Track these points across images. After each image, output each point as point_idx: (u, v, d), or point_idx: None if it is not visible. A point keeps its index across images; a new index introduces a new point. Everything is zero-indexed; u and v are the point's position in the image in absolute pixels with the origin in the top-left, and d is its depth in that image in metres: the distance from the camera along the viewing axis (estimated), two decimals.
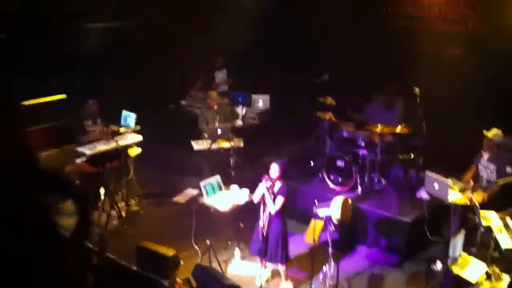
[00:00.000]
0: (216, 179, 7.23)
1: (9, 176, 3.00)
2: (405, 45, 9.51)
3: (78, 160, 7.78)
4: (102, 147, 7.86)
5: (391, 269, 7.28)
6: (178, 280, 5.94)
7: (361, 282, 6.98)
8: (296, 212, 7.90)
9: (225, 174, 7.83)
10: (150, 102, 9.88)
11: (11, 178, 3.00)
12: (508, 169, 6.78)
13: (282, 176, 6.51)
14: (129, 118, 8.71)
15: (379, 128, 7.91)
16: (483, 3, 9.18)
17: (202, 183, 7.05)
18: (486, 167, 6.99)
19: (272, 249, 6.48)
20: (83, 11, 10.25)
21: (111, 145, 7.92)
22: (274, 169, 6.47)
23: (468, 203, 6.58)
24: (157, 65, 10.54)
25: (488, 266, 5.75)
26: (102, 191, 8.19)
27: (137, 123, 8.65)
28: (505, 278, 5.55)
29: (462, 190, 6.77)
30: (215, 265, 6.90)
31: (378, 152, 8.00)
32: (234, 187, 7.25)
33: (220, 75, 10.88)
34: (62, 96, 8.51)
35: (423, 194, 7.24)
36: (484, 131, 6.93)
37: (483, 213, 6.31)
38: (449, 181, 6.62)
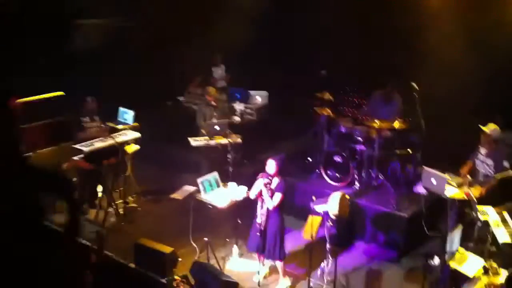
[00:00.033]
0: (213, 175, 7.22)
1: (2, 176, 3.00)
2: (405, 45, 9.46)
3: (76, 157, 7.76)
4: (99, 144, 7.83)
5: (389, 264, 7.30)
6: (176, 277, 5.96)
7: (359, 277, 7.00)
8: (294, 208, 7.89)
9: (223, 171, 7.83)
10: (149, 100, 9.86)
11: (4, 178, 3.00)
12: (506, 164, 6.78)
13: (280, 172, 6.51)
14: (126, 115, 8.71)
15: (377, 123, 7.91)
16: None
17: (199, 180, 7.05)
18: (483, 162, 6.99)
19: (270, 245, 6.49)
20: (83, 11, 10.25)
21: (109, 142, 7.91)
22: (271, 165, 6.47)
23: (466, 198, 6.59)
24: (157, 65, 10.52)
25: (485, 260, 5.76)
26: (99, 188, 8.19)
27: (135, 121, 8.66)
28: (503, 272, 5.56)
29: (460, 185, 6.77)
30: (213, 262, 6.91)
31: (376, 148, 8.00)
32: (232, 184, 7.26)
33: (218, 71, 10.86)
34: (60, 93, 8.50)
35: (420, 189, 7.25)
36: (481, 126, 6.93)
37: (480, 207, 6.33)
38: (447, 176, 6.63)
